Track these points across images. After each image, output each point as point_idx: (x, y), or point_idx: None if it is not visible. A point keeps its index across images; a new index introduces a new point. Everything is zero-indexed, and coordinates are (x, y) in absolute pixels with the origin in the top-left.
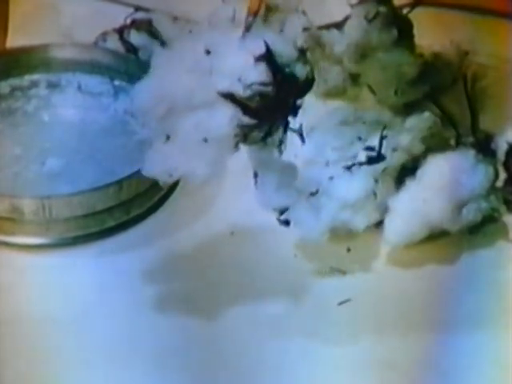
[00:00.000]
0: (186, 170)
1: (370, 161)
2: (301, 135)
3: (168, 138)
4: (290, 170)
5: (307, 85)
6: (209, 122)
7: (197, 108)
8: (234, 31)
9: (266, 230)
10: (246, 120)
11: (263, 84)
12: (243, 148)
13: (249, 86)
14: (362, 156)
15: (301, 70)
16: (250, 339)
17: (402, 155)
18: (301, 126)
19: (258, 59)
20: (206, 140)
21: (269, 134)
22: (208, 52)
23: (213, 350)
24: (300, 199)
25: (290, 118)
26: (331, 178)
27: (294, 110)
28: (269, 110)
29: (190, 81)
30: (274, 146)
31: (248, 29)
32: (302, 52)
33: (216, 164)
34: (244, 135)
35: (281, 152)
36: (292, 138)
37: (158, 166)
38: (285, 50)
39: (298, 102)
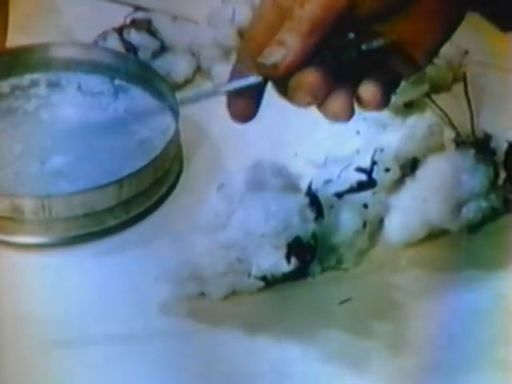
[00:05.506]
0: None
1: (360, 186)
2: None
3: None
4: (289, 170)
5: None
6: None
7: None
8: None
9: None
10: None
11: None
12: None
13: None
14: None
15: None
16: (249, 339)
17: (402, 155)
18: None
19: None
20: None
21: None
22: None
23: (212, 350)
24: (299, 198)
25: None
26: (330, 178)
27: None
28: None
29: None
30: None
31: None
32: None
33: None
34: None
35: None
36: (292, 136)
37: None
38: None
39: None
